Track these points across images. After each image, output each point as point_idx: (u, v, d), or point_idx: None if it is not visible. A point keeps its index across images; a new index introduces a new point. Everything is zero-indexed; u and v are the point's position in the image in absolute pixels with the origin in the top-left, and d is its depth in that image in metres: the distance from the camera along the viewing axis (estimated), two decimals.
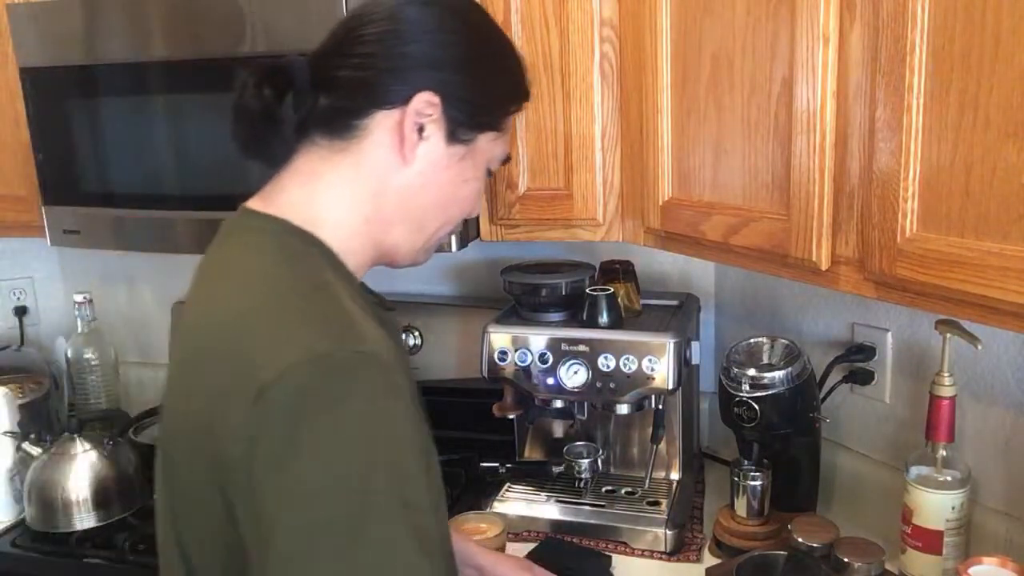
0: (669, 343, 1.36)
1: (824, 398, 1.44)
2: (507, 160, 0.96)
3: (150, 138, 1.49)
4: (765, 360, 1.40)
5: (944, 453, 1.20)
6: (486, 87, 0.88)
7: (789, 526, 1.31)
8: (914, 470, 1.22)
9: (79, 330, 1.90)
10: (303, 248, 0.82)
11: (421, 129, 0.84)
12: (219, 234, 0.87)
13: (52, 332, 2.07)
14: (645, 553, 1.40)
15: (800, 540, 1.27)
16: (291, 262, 0.80)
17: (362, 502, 0.68)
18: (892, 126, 0.91)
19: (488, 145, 0.90)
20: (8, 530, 1.56)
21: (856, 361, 1.42)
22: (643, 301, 1.53)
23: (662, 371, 1.36)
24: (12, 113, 1.60)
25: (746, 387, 1.35)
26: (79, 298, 1.88)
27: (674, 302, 1.56)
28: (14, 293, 2.11)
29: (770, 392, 1.34)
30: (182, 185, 1.50)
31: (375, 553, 0.67)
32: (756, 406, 1.34)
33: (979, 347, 1.13)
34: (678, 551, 1.40)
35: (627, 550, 1.41)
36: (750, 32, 1.08)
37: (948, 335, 1.17)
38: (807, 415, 1.38)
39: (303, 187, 0.84)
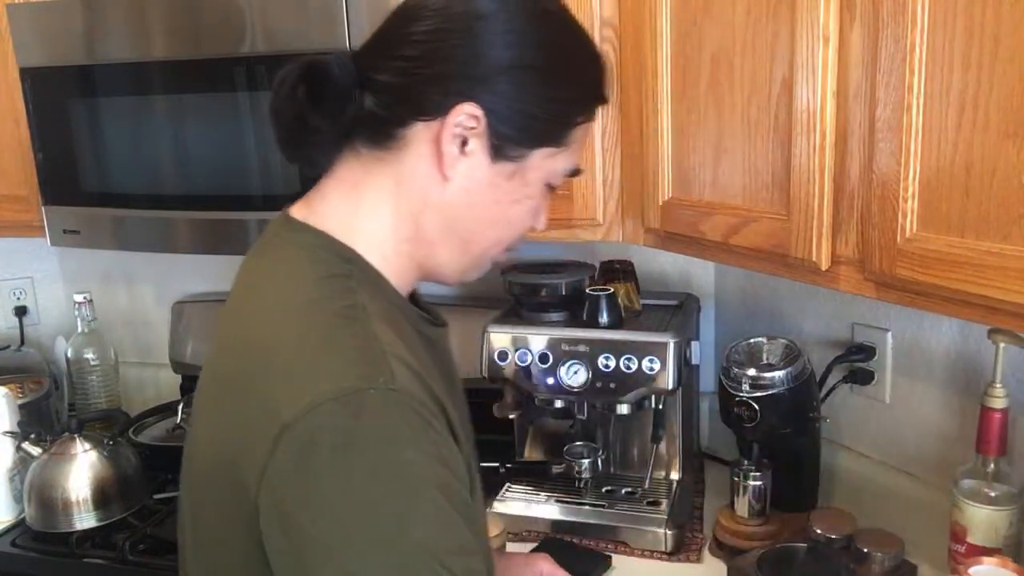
0: (669, 343, 1.36)
1: (824, 398, 1.44)
2: (576, 173, 0.85)
3: (150, 138, 1.49)
4: (765, 360, 1.40)
5: (995, 467, 1.16)
6: (544, 98, 0.77)
7: (808, 517, 1.30)
8: (965, 484, 1.17)
9: (79, 330, 1.90)
10: (340, 267, 0.76)
11: (464, 143, 0.75)
12: (260, 239, 0.82)
13: (52, 332, 2.08)
14: (645, 553, 1.40)
15: (819, 531, 1.27)
16: (326, 284, 0.74)
17: (401, 557, 0.63)
18: (892, 126, 0.91)
19: (544, 161, 0.79)
20: (8, 530, 1.56)
21: (856, 361, 1.42)
22: (643, 301, 1.52)
23: (662, 371, 1.36)
24: (12, 113, 1.60)
25: (746, 387, 1.35)
26: (79, 298, 1.87)
27: (674, 302, 1.56)
28: (14, 293, 2.11)
29: (770, 392, 1.34)
30: (182, 185, 1.50)
31: None
32: (756, 406, 1.34)
33: None
34: (678, 551, 1.40)
35: (627, 550, 1.41)
36: (750, 32, 1.08)
37: (1001, 344, 1.13)
38: (807, 415, 1.38)
39: (345, 197, 0.78)
